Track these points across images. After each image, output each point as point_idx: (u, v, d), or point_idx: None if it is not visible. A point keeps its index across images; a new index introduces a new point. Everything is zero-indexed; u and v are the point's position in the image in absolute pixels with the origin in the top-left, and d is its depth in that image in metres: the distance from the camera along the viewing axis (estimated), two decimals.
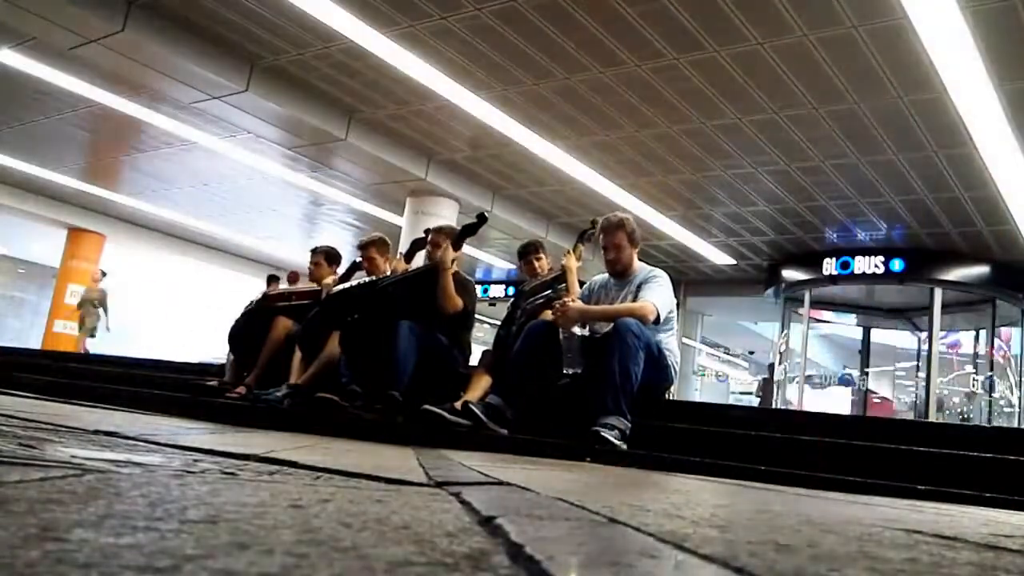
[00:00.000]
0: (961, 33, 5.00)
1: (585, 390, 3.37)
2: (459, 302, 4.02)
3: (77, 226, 13.80)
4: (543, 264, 4.43)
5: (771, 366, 12.28)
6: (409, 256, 4.88)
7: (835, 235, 9.96)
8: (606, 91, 6.66)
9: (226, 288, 15.71)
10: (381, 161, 8.59)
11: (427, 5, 5.61)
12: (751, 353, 19.18)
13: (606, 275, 3.83)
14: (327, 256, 5.23)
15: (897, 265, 9.96)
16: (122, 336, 12.57)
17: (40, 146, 10.38)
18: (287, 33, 6.38)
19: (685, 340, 13.51)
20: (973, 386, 10.70)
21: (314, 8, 5.82)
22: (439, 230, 4.47)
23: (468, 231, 4.20)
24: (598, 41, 5.81)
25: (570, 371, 3.50)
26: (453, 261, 4.09)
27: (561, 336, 3.52)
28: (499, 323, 4.59)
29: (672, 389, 3.96)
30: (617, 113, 7.09)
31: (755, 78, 6.08)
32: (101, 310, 12.27)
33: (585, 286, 3.95)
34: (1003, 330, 10.94)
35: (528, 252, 4.49)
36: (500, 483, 1.47)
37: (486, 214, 4.15)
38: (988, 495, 2.21)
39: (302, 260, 5.38)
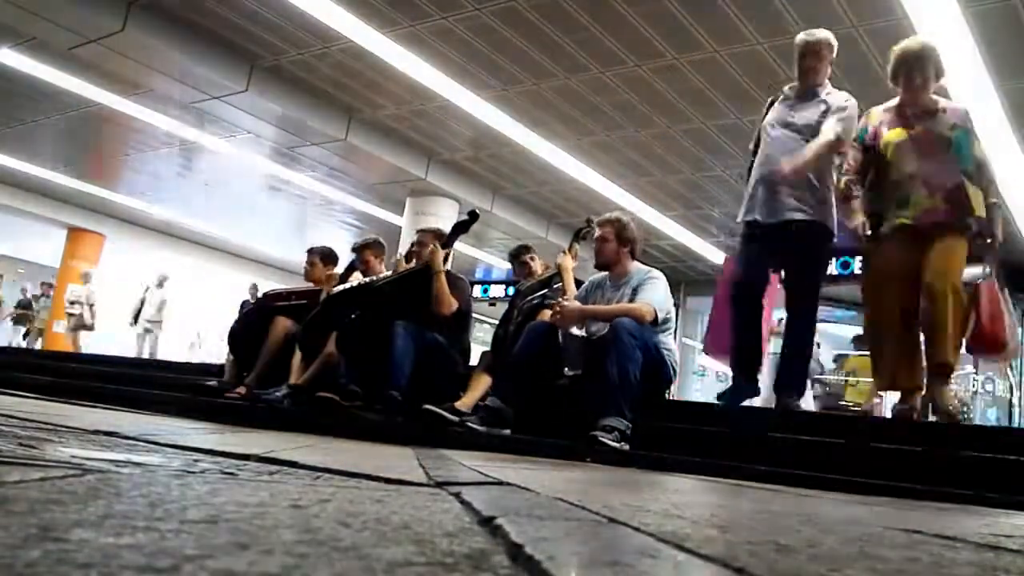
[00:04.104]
0: (961, 33, 5.00)
1: (585, 391, 3.37)
2: (454, 303, 4.02)
3: (77, 226, 13.81)
4: (536, 264, 4.44)
5: None
6: (409, 257, 4.88)
7: (835, 235, 9.94)
8: (606, 91, 6.66)
9: (226, 288, 15.70)
10: (381, 161, 8.58)
11: (427, 5, 5.62)
12: None
13: (603, 274, 3.83)
14: (323, 256, 5.21)
15: None
16: (123, 336, 12.57)
17: (40, 146, 10.38)
18: (287, 33, 6.38)
19: (685, 340, 13.50)
20: (973, 386, 10.70)
21: (314, 8, 5.82)
22: (424, 231, 4.46)
23: (460, 229, 4.19)
24: (598, 41, 5.81)
25: (570, 372, 3.49)
26: (444, 260, 4.08)
27: (561, 337, 3.52)
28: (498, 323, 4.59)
29: (672, 389, 3.96)
30: (617, 113, 7.09)
31: (755, 78, 6.08)
32: None
33: (583, 286, 3.95)
34: None
35: (520, 254, 4.50)
36: (500, 483, 1.46)
37: (477, 211, 4.14)
38: (988, 495, 2.21)
39: (302, 260, 5.39)
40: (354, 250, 4.92)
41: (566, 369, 3.52)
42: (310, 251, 5.27)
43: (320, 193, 10.71)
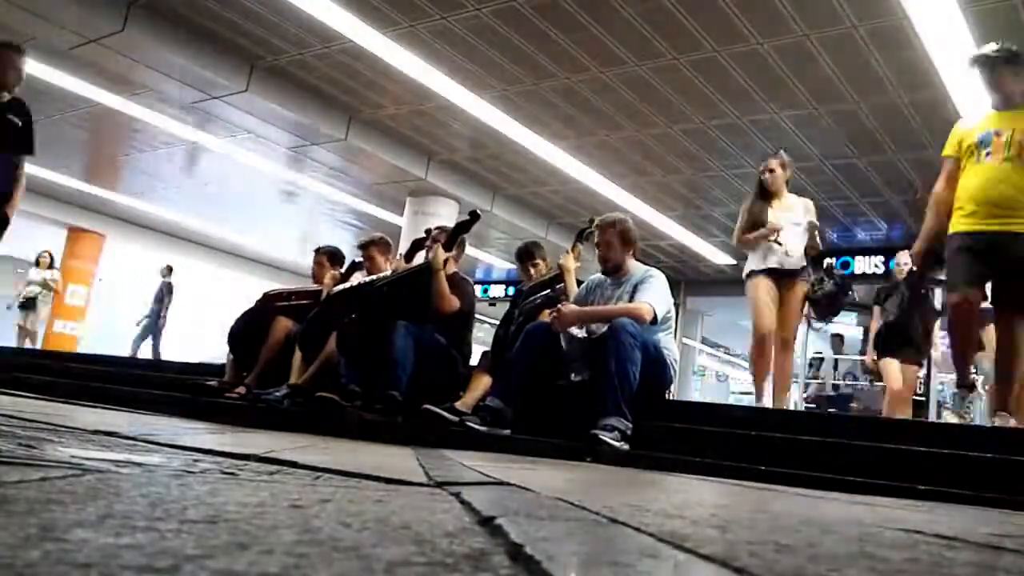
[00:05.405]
0: (961, 33, 5.00)
1: (585, 391, 3.37)
2: (455, 302, 4.02)
3: (77, 226, 13.79)
4: (540, 269, 4.43)
5: None
6: (409, 256, 4.88)
7: (835, 235, 9.96)
8: (606, 91, 6.66)
9: (226, 288, 15.70)
10: (381, 161, 8.58)
11: (427, 5, 5.62)
12: None
13: (602, 275, 3.83)
14: (330, 256, 5.21)
15: None
16: (123, 336, 12.58)
17: (40, 146, 10.32)
18: (287, 33, 6.38)
19: (685, 340, 13.49)
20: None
21: (314, 8, 5.82)
22: (442, 230, 4.46)
23: (460, 229, 4.21)
24: (598, 41, 5.81)
25: (576, 378, 3.49)
26: (447, 261, 4.08)
27: (564, 343, 3.52)
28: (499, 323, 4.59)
29: (672, 389, 3.96)
30: (617, 113, 7.09)
31: (755, 78, 6.08)
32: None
33: (582, 286, 3.95)
34: None
35: (524, 259, 4.48)
36: (500, 483, 1.46)
37: (479, 212, 4.15)
38: (988, 495, 2.21)
39: (302, 260, 5.40)
40: (360, 247, 4.93)
41: (572, 376, 3.52)
42: (317, 251, 5.27)
43: (320, 193, 10.70)
